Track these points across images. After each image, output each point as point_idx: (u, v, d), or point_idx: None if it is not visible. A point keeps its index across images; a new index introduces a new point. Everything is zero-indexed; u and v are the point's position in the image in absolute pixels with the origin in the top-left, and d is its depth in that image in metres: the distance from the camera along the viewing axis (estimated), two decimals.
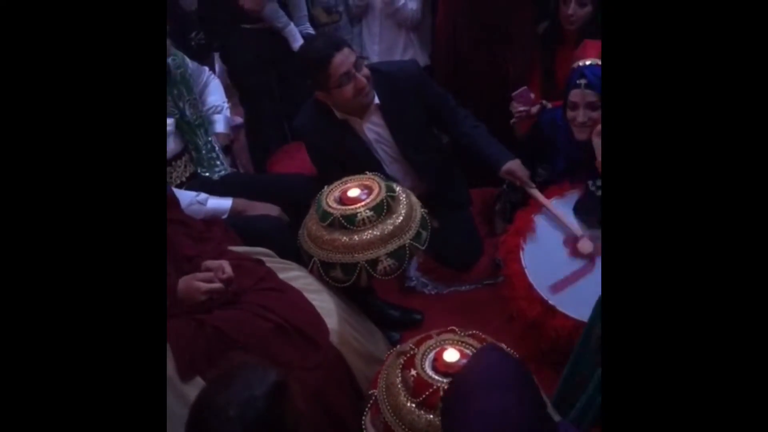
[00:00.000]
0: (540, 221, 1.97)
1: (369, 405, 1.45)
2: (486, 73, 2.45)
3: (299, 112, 2.05)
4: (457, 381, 1.08)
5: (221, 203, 1.94)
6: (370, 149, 2.02)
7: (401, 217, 1.66)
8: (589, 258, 1.86)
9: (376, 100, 1.96)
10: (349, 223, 1.62)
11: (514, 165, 2.01)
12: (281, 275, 1.70)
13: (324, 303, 1.64)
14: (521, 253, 1.91)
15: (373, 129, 2.02)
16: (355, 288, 1.78)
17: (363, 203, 1.65)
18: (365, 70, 1.91)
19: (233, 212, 1.94)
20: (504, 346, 1.33)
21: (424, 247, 1.72)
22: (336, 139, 1.98)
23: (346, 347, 1.60)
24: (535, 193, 2.00)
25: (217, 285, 1.50)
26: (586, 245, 1.87)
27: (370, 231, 1.62)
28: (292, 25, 2.50)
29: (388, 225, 1.64)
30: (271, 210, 2.00)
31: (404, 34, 2.62)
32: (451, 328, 1.48)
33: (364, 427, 1.44)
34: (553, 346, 1.74)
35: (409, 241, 1.66)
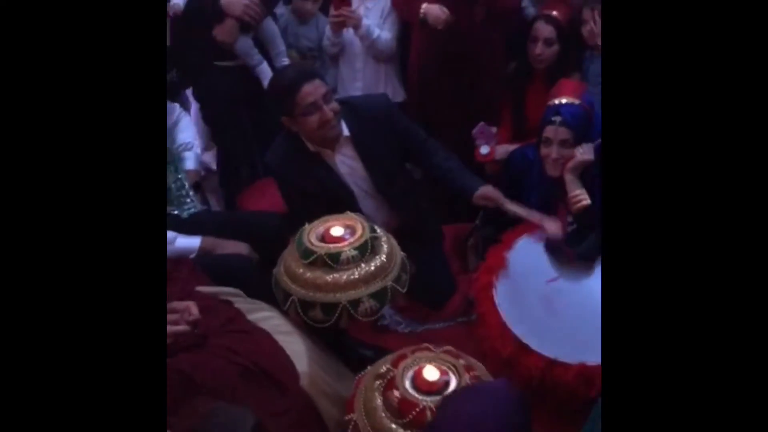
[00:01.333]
0: (513, 258, 1.97)
1: (349, 428, 1.42)
2: (456, 107, 2.48)
3: (271, 146, 2.05)
4: (455, 409, 1.05)
5: (190, 242, 1.90)
6: (343, 182, 2.02)
7: (384, 258, 1.65)
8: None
9: (346, 132, 1.97)
10: (334, 261, 1.60)
11: (487, 189, 2.02)
12: (250, 316, 1.66)
13: (294, 345, 1.61)
14: (494, 290, 1.91)
15: (346, 162, 2.02)
16: (329, 328, 1.75)
17: (347, 242, 1.63)
18: (334, 104, 1.91)
19: (201, 251, 1.90)
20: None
21: (404, 291, 1.70)
22: (308, 172, 1.98)
23: (316, 390, 1.56)
24: (513, 207, 2.00)
25: (183, 327, 1.46)
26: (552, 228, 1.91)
27: (353, 271, 1.60)
28: (265, 63, 2.51)
29: (371, 265, 1.62)
30: (240, 248, 1.98)
31: (383, 68, 2.65)
32: (425, 345, 1.48)
33: None
34: (526, 383, 1.72)
35: (391, 283, 1.64)
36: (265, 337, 1.59)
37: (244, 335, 1.56)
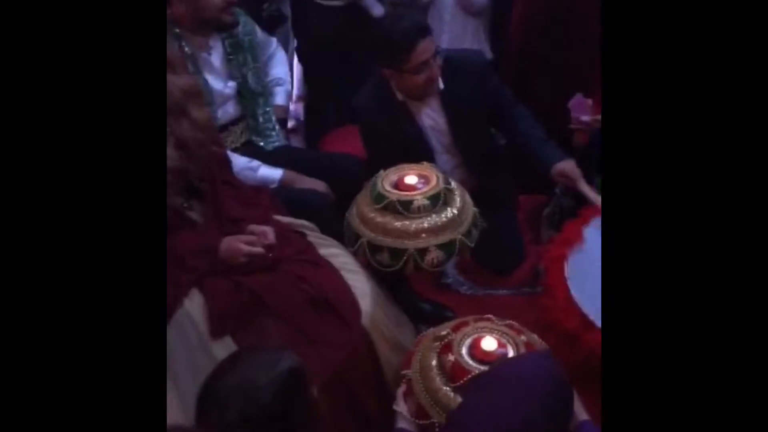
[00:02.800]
0: (590, 233, 1.91)
1: (403, 382, 1.46)
2: (552, 75, 2.40)
3: (359, 90, 2.05)
4: (493, 373, 1.07)
5: (272, 172, 1.96)
6: (423, 136, 2.01)
7: (455, 211, 1.65)
8: None
9: (441, 86, 1.95)
10: (405, 208, 1.61)
11: (567, 165, 1.94)
12: (321, 251, 1.70)
13: (360, 284, 1.64)
14: (566, 263, 1.86)
15: (431, 115, 2.00)
16: (393, 275, 1.77)
17: (420, 191, 1.64)
18: (439, 61, 1.89)
19: (282, 182, 1.96)
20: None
21: (473, 246, 1.70)
22: (392, 121, 1.97)
23: (376, 331, 1.59)
24: (589, 192, 1.93)
25: (259, 249, 1.51)
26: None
27: (423, 220, 1.61)
28: None
29: (442, 217, 1.63)
30: (318, 185, 2.02)
31: (471, 24, 2.59)
32: (487, 316, 1.49)
33: (395, 404, 1.44)
34: (586, 360, 1.68)
35: (460, 236, 1.64)
36: (334, 271, 1.63)
37: (314, 267, 1.60)
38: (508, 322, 1.52)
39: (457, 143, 2.02)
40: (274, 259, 1.56)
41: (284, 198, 1.88)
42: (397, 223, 1.62)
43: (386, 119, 1.98)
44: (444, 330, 1.50)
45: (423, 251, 1.61)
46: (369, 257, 1.66)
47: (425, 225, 1.61)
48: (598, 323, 1.71)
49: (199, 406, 1.02)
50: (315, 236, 1.77)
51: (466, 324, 1.50)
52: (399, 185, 1.68)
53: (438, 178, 1.68)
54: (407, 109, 1.99)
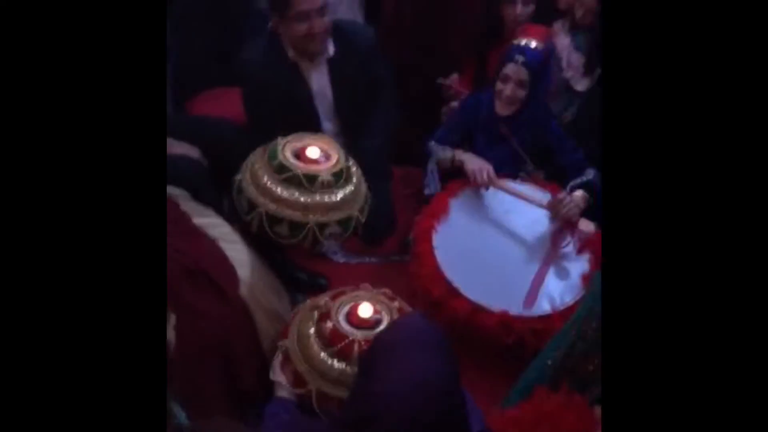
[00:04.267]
0: (455, 205, 2.05)
1: (279, 353, 1.48)
2: (423, 51, 2.48)
3: (248, 46, 1.99)
4: (381, 337, 1.09)
5: None
6: (311, 98, 2.01)
7: (352, 188, 1.69)
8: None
9: (331, 52, 1.95)
10: (309, 183, 1.61)
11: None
12: (196, 219, 1.65)
13: (237, 254, 1.62)
14: (433, 234, 1.98)
15: (319, 81, 2.00)
16: (269, 245, 1.76)
17: (324, 167, 1.65)
18: (326, 21, 1.88)
19: None
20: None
21: (363, 221, 1.75)
22: (281, 79, 1.94)
23: (254, 301, 1.59)
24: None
25: None
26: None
27: (326, 195, 1.62)
28: None
29: (342, 193, 1.66)
30: (190, 151, 1.93)
31: None
32: (363, 285, 1.55)
33: (272, 373, 1.46)
34: (452, 326, 1.82)
35: (356, 212, 1.68)
36: (209, 241, 1.60)
37: (188, 236, 1.56)
38: (383, 290, 1.60)
39: (339, 111, 2.04)
40: None
41: None
42: (301, 198, 1.61)
43: (277, 77, 1.94)
44: (322, 300, 1.54)
45: (323, 225, 1.63)
46: (266, 228, 1.63)
47: (327, 200, 1.63)
48: (463, 290, 1.86)
49: None
50: (188, 205, 1.71)
51: (343, 293, 1.57)
52: (301, 157, 1.67)
53: (339, 153, 1.70)
54: (298, 70, 1.97)
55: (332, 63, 1.98)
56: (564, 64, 2.27)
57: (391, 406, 0.94)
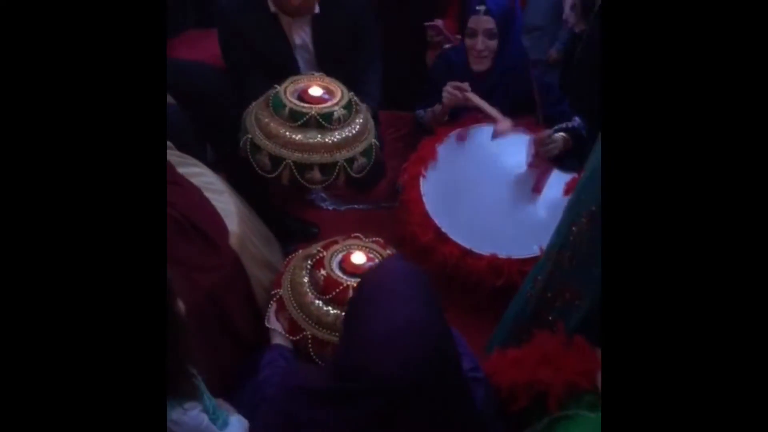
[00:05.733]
0: (443, 151, 2.03)
1: (273, 302, 1.49)
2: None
3: None
4: (364, 284, 1.08)
5: None
6: (291, 52, 1.92)
7: (363, 116, 1.67)
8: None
9: (317, 9, 1.86)
10: (326, 121, 1.57)
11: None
12: (180, 169, 1.61)
13: (225, 205, 1.60)
14: (422, 180, 1.97)
15: (301, 35, 1.92)
16: (256, 194, 1.74)
17: (333, 102, 1.60)
18: None
19: None
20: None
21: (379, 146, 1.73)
22: (261, 31, 1.85)
23: (245, 252, 1.58)
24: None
25: None
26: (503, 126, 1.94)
27: (345, 130, 1.60)
28: None
29: (358, 123, 1.63)
30: (168, 98, 1.86)
31: None
32: (355, 234, 1.55)
33: (267, 322, 1.48)
34: (441, 270, 1.84)
35: (373, 139, 1.67)
36: (196, 192, 1.56)
37: (175, 187, 1.51)
38: (375, 239, 1.60)
39: (321, 64, 1.98)
40: None
41: None
42: (324, 138, 1.57)
43: (256, 27, 1.85)
44: (314, 249, 1.54)
45: (351, 160, 1.61)
46: (298, 177, 1.59)
47: (347, 134, 1.60)
48: (451, 235, 1.87)
49: None
50: (171, 154, 1.67)
51: (335, 242, 1.57)
52: (306, 98, 1.61)
53: (340, 86, 1.66)
54: (278, 23, 1.88)
55: (316, 19, 1.89)
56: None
57: (380, 352, 0.94)
